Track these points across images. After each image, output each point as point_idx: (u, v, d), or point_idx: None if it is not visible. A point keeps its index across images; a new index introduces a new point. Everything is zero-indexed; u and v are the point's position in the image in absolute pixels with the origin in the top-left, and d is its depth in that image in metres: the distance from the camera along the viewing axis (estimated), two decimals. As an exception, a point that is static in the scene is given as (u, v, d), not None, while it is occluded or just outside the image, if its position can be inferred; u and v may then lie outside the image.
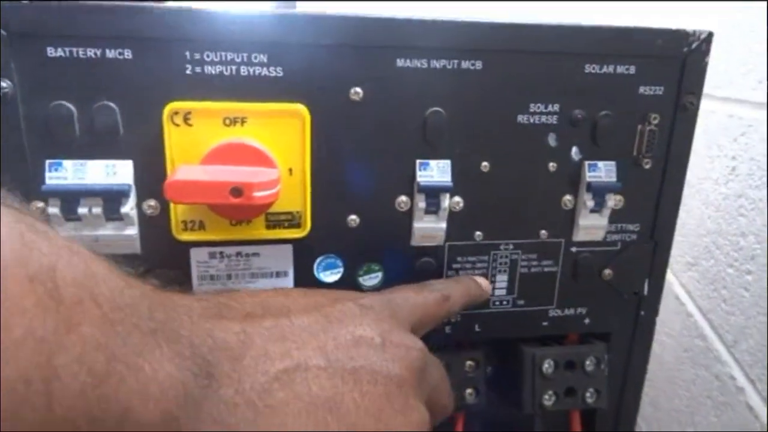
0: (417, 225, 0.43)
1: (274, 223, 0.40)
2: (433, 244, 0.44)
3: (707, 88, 0.45)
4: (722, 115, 0.71)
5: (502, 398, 0.53)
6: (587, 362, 0.49)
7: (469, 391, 0.50)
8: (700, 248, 0.82)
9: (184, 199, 0.33)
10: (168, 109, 0.36)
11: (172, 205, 0.38)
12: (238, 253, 0.41)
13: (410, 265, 0.44)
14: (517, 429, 0.55)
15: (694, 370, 0.90)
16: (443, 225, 0.43)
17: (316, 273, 0.43)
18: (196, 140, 0.36)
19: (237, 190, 0.33)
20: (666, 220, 0.48)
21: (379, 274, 0.44)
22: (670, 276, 0.87)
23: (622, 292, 0.49)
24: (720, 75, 0.68)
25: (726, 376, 0.79)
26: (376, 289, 0.44)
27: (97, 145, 0.37)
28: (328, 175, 0.41)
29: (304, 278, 0.43)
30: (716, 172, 0.76)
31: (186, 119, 0.36)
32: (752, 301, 0.70)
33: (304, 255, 0.43)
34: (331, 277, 0.43)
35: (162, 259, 0.40)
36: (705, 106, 0.46)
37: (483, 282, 0.45)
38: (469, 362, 0.50)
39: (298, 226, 0.41)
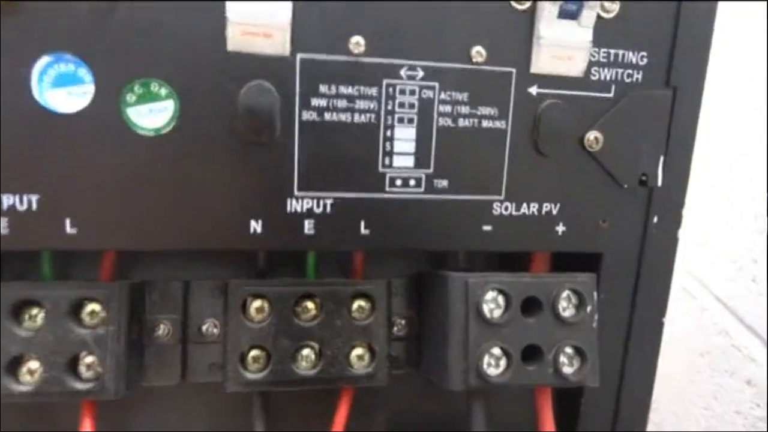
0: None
1: None
2: (271, 53, 0.24)
3: None
4: None
5: (420, 368, 0.31)
6: (561, 302, 0.28)
7: (358, 352, 0.28)
8: (714, 216, 0.63)
9: None
10: None
11: None
12: None
13: (227, 92, 0.24)
14: (441, 426, 0.33)
15: (715, 379, 0.69)
16: (286, 7, 0.23)
17: (38, 94, 0.23)
18: None
19: None
20: (695, 47, 0.28)
21: (169, 104, 0.24)
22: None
23: (617, 177, 0.29)
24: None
25: (764, 379, 0.57)
26: (159, 132, 0.24)
27: None
28: None
29: (18, 103, 0.22)
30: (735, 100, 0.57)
31: None
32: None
33: (8, 49, 0.22)
34: (69, 102, 0.23)
35: None
36: None
37: None
38: (358, 302, 0.29)
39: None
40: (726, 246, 0.67)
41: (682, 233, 0.31)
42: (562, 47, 0.26)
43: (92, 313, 0.26)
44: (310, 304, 0.28)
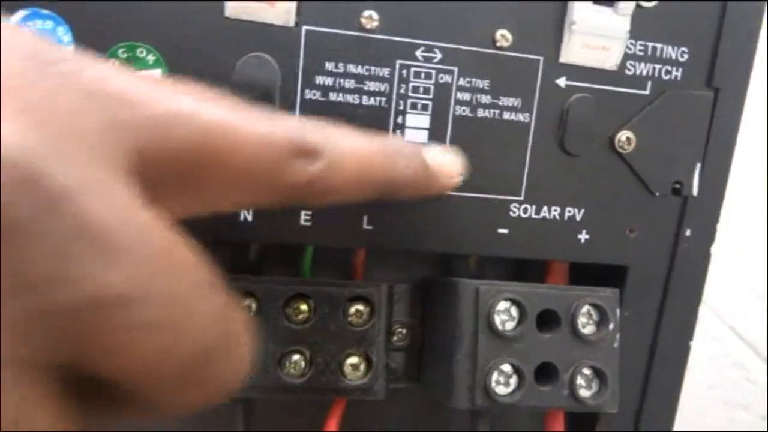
0: (233, -38, 0.21)
1: None
2: (274, 22, 0.22)
3: None
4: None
5: (421, 383, 0.28)
6: (580, 318, 0.25)
7: (352, 361, 0.26)
8: (729, 237, 0.60)
9: None
10: None
11: None
12: None
13: (222, 63, 0.22)
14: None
15: (728, 413, 0.65)
16: (291, -28, 0.21)
17: (12, 51, 0.20)
18: None
19: None
20: (741, 45, 0.25)
21: (156, 73, 0.21)
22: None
23: (649, 183, 0.26)
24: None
25: (784, 413, 0.54)
26: (146, 103, 0.21)
27: None
28: None
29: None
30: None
31: None
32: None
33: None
34: (46, 64, 0.20)
35: None
36: None
37: (435, 155, 0.21)
38: (356, 307, 0.26)
39: None
40: (742, 271, 0.64)
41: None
42: (597, 36, 0.24)
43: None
44: (303, 306, 0.26)
